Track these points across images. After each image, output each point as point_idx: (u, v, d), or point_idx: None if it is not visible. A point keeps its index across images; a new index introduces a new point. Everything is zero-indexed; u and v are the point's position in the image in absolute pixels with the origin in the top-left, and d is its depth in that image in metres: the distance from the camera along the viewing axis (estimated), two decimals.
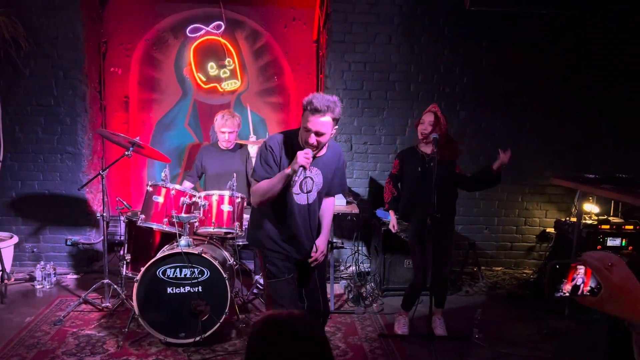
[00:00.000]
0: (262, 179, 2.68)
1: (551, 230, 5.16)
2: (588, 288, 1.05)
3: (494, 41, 5.01)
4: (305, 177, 2.74)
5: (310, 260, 2.86)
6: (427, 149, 3.67)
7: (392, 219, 3.91)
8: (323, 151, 2.79)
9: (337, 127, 2.69)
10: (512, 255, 5.37)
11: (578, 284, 1.05)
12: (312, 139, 2.58)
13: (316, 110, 2.54)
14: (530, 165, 5.21)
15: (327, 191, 2.91)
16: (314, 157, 2.65)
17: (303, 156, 2.52)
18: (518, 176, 5.21)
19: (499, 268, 5.32)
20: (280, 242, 2.83)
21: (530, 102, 5.13)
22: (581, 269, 1.05)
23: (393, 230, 3.92)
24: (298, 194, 2.77)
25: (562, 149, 5.21)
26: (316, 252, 2.85)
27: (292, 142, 2.72)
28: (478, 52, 5.02)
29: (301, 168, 2.54)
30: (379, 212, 4.78)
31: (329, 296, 3.43)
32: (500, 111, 5.13)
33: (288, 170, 2.58)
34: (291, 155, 2.64)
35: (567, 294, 1.07)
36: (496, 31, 4.98)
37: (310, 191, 2.77)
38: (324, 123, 2.56)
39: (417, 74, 5.03)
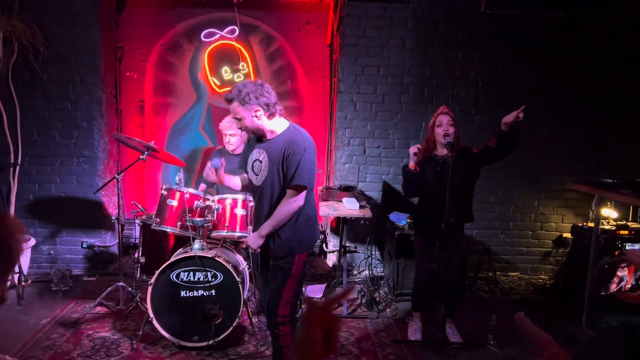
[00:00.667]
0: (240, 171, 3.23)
1: (568, 235, 5.09)
2: (630, 285, 1.06)
3: (509, 44, 4.96)
4: (255, 160, 2.88)
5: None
6: (441, 152, 3.63)
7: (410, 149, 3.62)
8: (273, 135, 2.86)
9: (258, 108, 2.74)
10: (528, 261, 5.31)
11: (621, 281, 1.07)
12: (237, 124, 2.89)
13: (226, 100, 2.80)
14: (546, 169, 5.15)
15: (286, 181, 2.80)
16: (263, 140, 2.86)
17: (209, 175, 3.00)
18: (534, 180, 5.16)
19: (515, 273, 5.26)
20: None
21: (546, 105, 5.07)
22: (624, 267, 1.06)
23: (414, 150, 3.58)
24: (253, 176, 2.93)
25: (579, 153, 5.14)
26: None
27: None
28: (493, 56, 4.98)
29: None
30: (393, 216, 4.75)
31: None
32: None
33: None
34: (252, 146, 2.96)
35: (612, 292, 1.08)
36: (511, 34, 4.94)
37: (258, 174, 2.88)
38: (233, 109, 2.78)
39: (431, 77, 5.01)
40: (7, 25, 4.32)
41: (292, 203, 2.78)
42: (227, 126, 4.29)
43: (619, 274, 1.08)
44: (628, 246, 4.24)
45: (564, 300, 4.54)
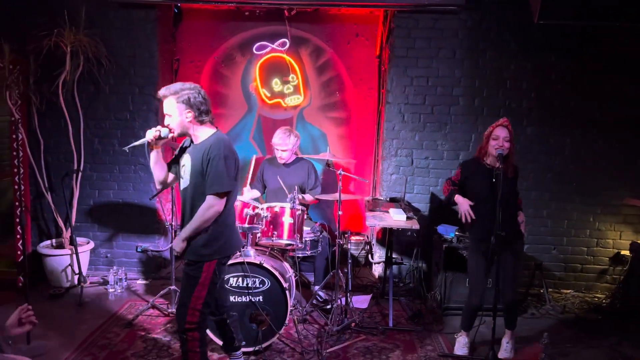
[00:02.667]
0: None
1: (626, 252, 4.87)
2: None
3: (563, 55, 4.83)
4: (182, 165, 2.97)
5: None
6: (493, 162, 3.56)
7: (464, 202, 3.58)
8: (197, 140, 2.93)
9: (190, 110, 2.86)
10: (583, 278, 5.10)
11: None
12: (165, 120, 2.93)
13: (161, 95, 2.89)
14: (603, 183, 4.95)
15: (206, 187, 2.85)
16: (190, 145, 2.98)
17: (149, 131, 2.89)
18: (589, 194, 4.98)
19: (568, 290, 5.06)
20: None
21: (602, 118, 4.89)
22: None
23: (467, 216, 3.55)
24: (180, 180, 3.02)
25: (638, 167, 4.92)
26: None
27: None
28: (546, 67, 4.87)
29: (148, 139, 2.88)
30: (440, 229, 4.70)
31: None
32: (569, 127, 4.93)
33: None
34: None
35: None
36: (565, 45, 4.81)
37: (184, 178, 2.95)
38: (167, 104, 2.88)
39: (481, 88, 4.94)
40: (75, 39, 4.59)
41: (209, 209, 2.80)
42: (279, 143, 4.49)
43: None
44: None
45: (622, 320, 4.34)
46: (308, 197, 4.56)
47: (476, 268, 3.61)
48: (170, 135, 2.91)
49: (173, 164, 3.10)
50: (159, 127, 2.89)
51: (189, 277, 2.90)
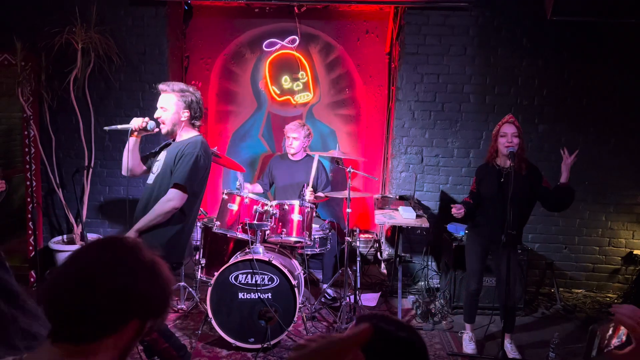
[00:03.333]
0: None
1: (639, 252, 4.81)
2: (617, 343, 1.07)
3: (576, 52, 4.78)
4: (157, 160, 3.02)
5: None
6: (503, 162, 3.55)
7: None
8: (179, 139, 2.99)
9: (188, 112, 2.96)
10: (594, 278, 5.05)
11: (607, 339, 1.08)
12: (157, 113, 2.95)
13: (163, 88, 2.93)
14: (616, 182, 4.89)
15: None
16: (169, 144, 3.01)
17: (136, 120, 2.92)
18: (601, 193, 4.92)
19: (579, 290, 5.02)
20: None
21: (615, 116, 4.83)
22: (611, 326, 1.08)
23: (454, 210, 3.63)
24: (150, 175, 3.05)
25: None
26: None
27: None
28: (559, 64, 4.81)
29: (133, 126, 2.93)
30: (450, 227, 4.67)
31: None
32: (582, 125, 4.87)
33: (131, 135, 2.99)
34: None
35: (598, 354, 1.10)
36: (579, 42, 4.75)
37: (154, 172, 2.98)
38: (167, 98, 2.92)
39: (492, 86, 4.90)
40: (86, 37, 4.62)
41: (168, 202, 2.80)
42: (292, 129, 4.52)
43: (608, 333, 1.08)
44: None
45: None
46: (319, 195, 4.57)
47: (473, 255, 3.68)
48: (156, 130, 2.98)
49: (150, 157, 3.17)
50: (146, 119, 2.95)
51: None
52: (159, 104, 2.97)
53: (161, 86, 2.96)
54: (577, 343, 3.84)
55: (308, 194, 4.31)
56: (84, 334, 1.10)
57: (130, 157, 3.01)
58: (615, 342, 1.07)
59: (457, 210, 3.57)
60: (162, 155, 3.02)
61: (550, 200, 3.53)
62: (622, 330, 1.07)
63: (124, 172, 3.10)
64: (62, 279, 1.11)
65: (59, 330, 1.10)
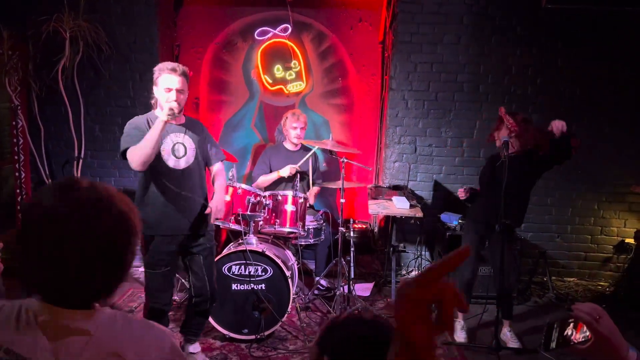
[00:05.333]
0: (134, 143, 2.81)
1: (631, 241, 4.84)
2: (579, 339, 1.16)
3: (570, 41, 4.76)
4: (176, 143, 2.94)
5: (207, 212, 3.02)
6: (502, 153, 3.54)
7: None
8: (182, 120, 3.00)
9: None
10: (586, 266, 5.08)
11: (569, 334, 1.17)
12: (173, 95, 2.83)
13: (173, 70, 2.82)
14: (608, 171, 4.91)
15: (208, 160, 3.17)
16: (170, 124, 2.89)
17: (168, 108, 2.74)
18: (594, 182, 4.93)
19: (571, 279, 5.05)
20: (165, 218, 2.92)
21: (609, 105, 4.83)
22: (572, 322, 1.17)
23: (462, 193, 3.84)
24: (172, 159, 2.94)
25: None
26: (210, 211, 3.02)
27: (144, 118, 2.95)
28: (553, 53, 4.79)
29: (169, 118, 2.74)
30: (444, 217, 4.67)
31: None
32: (576, 114, 4.86)
33: (161, 119, 2.73)
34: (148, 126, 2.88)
35: (560, 346, 1.18)
36: (573, 30, 4.73)
37: (182, 157, 2.95)
38: (184, 82, 2.87)
39: (486, 74, 4.87)
40: (74, 25, 4.53)
41: (224, 174, 3.20)
42: (302, 120, 4.51)
43: (568, 328, 1.17)
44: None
45: (625, 308, 4.32)
46: (314, 190, 4.58)
47: (469, 242, 3.69)
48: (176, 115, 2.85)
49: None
50: (174, 104, 2.79)
51: (213, 248, 3.20)
52: (176, 86, 2.82)
53: (172, 67, 2.83)
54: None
55: (312, 198, 4.47)
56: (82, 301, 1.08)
57: (156, 149, 2.83)
58: (578, 337, 1.16)
59: (463, 194, 3.71)
60: (182, 138, 2.96)
61: (547, 157, 3.45)
62: (584, 327, 1.15)
63: (143, 167, 2.82)
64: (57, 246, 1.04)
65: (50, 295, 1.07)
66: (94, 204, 1.06)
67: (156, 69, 2.89)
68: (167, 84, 2.84)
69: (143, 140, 2.77)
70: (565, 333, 1.17)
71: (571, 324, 1.17)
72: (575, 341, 1.16)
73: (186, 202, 2.98)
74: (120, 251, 1.09)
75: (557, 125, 3.34)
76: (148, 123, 2.90)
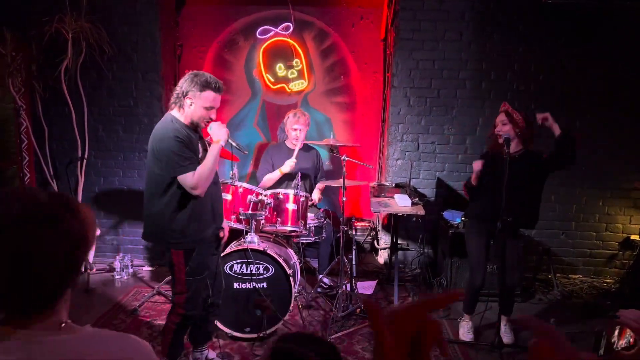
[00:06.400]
0: (195, 167, 2.71)
1: (636, 237, 4.80)
2: (622, 345, 1.11)
3: (572, 37, 4.72)
4: (204, 151, 2.90)
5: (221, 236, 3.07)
6: (503, 150, 3.52)
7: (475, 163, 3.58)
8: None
9: None
10: (591, 263, 5.04)
11: (614, 341, 1.12)
12: (214, 115, 2.83)
13: (220, 90, 2.78)
14: (613, 167, 4.87)
15: None
16: (198, 132, 2.91)
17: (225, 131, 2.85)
18: (599, 179, 4.90)
19: (576, 276, 5.02)
20: (206, 229, 2.90)
21: (613, 101, 4.79)
22: (617, 328, 1.17)
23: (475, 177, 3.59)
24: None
25: None
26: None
27: (181, 128, 2.76)
28: (556, 49, 4.76)
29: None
30: (447, 214, 4.65)
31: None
32: (579, 111, 4.83)
33: (220, 143, 2.81)
34: (191, 139, 2.77)
35: (605, 352, 1.14)
36: (575, 26, 4.69)
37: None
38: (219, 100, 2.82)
39: (488, 71, 4.85)
40: (76, 26, 4.56)
41: None
42: (302, 121, 4.55)
43: (614, 334, 1.15)
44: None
45: (631, 305, 4.27)
46: (320, 187, 4.59)
47: (476, 248, 3.62)
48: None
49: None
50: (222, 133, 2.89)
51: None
52: (218, 105, 2.84)
53: (219, 86, 2.79)
54: (574, 329, 3.84)
55: (317, 196, 4.48)
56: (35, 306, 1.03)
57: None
58: (622, 343, 1.15)
59: (477, 167, 3.54)
60: (201, 149, 2.91)
61: (554, 159, 3.43)
62: (629, 332, 1.12)
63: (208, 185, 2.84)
64: None
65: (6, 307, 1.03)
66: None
67: (202, 80, 2.73)
68: (211, 102, 2.77)
69: (207, 169, 2.73)
70: (612, 340, 1.19)
71: (616, 331, 1.18)
72: (619, 347, 1.17)
73: (218, 210, 3.03)
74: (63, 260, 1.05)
75: (539, 116, 3.40)
76: (189, 135, 2.78)
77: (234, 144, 3.14)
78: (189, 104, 2.75)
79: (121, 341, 1.13)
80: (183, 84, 2.75)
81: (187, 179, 2.68)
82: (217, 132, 2.84)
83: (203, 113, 2.77)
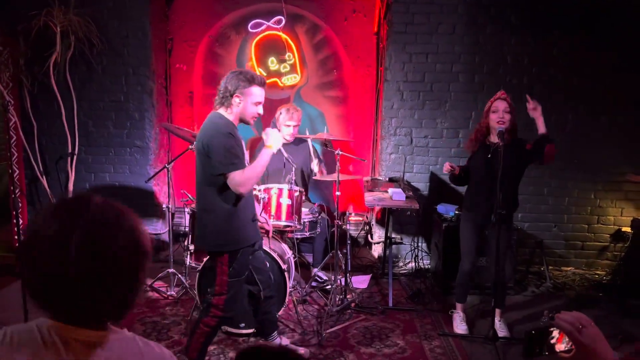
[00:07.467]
0: (243, 166, 2.71)
1: (627, 229, 4.83)
2: (562, 348, 1.17)
3: (566, 29, 4.73)
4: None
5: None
6: (493, 139, 3.52)
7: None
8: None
9: None
10: (583, 255, 5.08)
11: (552, 343, 1.18)
12: (262, 110, 2.83)
13: (264, 84, 2.78)
14: (605, 160, 4.90)
15: None
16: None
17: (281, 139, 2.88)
18: (591, 171, 4.93)
19: (569, 268, 5.05)
20: (249, 230, 2.89)
21: (606, 94, 4.81)
22: (555, 331, 1.18)
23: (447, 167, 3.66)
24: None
25: None
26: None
27: (230, 124, 2.78)
28: (549, 42, 4.76)
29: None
30: (440, 208, 4.66)
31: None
32: (571, 103, 4.85)
33: (272, 150, 2.83)
34: (238, 137, 2.80)
35: (546, 354, 1.19)
36: (569, 19, 4.70)
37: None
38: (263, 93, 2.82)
39: (481, 64, 4.85)
40: (65, 19, 4.48)
41: None
42: (289, 118, 4.45)
43: (552, 337, 1.19)
44: None
45: (623, 297, 4.33)
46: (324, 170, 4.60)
47: (468, 235, 3.65)
48: None
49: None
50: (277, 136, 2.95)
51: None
52: (263, 100, 2.84)
53: (263, 81, 2.82)
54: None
55: (316, 167, 4.48)
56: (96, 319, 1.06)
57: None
58: (562, 346, 1.18)
59: (446, 169, 3.61)
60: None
61: (535, 155, 3.46)
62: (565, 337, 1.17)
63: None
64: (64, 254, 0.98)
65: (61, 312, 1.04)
66: (104, 224, 1.03)
67: (248, 76, 2.74)
68: (259, 97, 2.79)
69: (256, 170, 2.75)
70: (550, 341, 1.19)
71: (554, 332, 1.19)
72: (558, 350, 1.18)
73: (253, 209, 2.99)
74: (130, 271, 1.06)
75: (532, 104, 3.43)
76: (236, 138, 2.78)
77: (285, 155, 3.29)
78: (237, 102, 2.75)
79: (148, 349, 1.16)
80: (228, 83, 2.75)
81: (236, 177, 2.65)
82: (273, 138, 2.87)
83: (252, 109, 2.79)
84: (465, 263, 3.68)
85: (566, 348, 1.17)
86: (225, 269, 2.79)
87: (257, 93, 2.77)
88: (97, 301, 1.02)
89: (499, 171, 3.24)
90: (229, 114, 2.79)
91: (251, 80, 2.73)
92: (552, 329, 1.18)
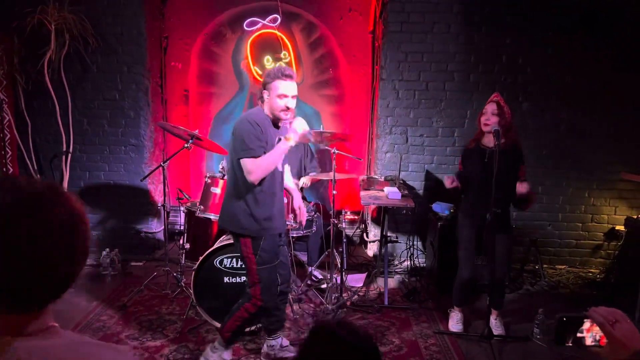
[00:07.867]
0: (260, 154, 2.78)
1: (621, 228, 4.87)
2: (590, 342, 1.18)
3: (560, 29, 4.75)
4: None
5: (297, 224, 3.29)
6: (489, 142, 3.53)
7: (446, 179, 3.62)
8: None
9: None
10: (577, 254, 5.11)
11: (579, 337, 1.19)
12: (290, 104, 2.84)
13: (290, 76, 2.81)
14: (599, 158, 4.93)
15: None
16: (276, 126, 2.97)
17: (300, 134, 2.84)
18: (585, 170, 4.96)
19: (563, 266, 5.08)
20: (274, 219, 2.95)
21: (599, 92, 4.83)
22: (587, 323, 1.18)
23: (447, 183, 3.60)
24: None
25: (634, 142, 4.89)
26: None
27: (262, 117, 2.88)
28: (543, 41, 4.78)
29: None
30: (435, 206, 4.67)
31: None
32: (566, 102, 4.87)
33: (288, 142, 2.82)
34: (267, 130, 2.84)
35: (573, 345, 1.20)
36: (564, 18, 4.73)
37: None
38: (295, 87, 2.86)
39: (477, 64, 4.86)
40: (59, 17, 4.46)
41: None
42: (289, 86, 4.37)
43: (581, 328, 1.19)
44: None
45: (616, 295, 4.36)
46: (307, 181, 4.55)
47: (466, 241, 3.61)
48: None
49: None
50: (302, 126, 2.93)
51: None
52: (292, 93, 2.84)
53: (288, 73, 2.83)
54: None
55: (307, 180, 4.48)
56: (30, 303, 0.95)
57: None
58: (589, 340, 1.19)
59: (450, 183, 3.55)
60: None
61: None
62: (594, 330, 1.17)
63: (258, 181, 2.84)
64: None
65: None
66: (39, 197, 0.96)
67: (273, 71, 2.83)
68: (281, 89, 2.81)
69: (268, 161, 2.78)
70: (578, 334, 1.19)
71: (583, 324, 1.18)
72: (587, 344, 1.19)
73: (282, 201, 3.07)
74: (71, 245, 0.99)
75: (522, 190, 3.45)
76: (262, 129, 2.82)
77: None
78: (266, 97, 2.87)
79: (101, 351, 1.05)
80: (263, 79, 2.89)
81: (248, 163, 2.75)
82: (294, 130, 2.87)
83: (278, 102, 2.84)
84: (464, 271, 3.61)
85: (594, 343, 1.17)
86: (252, 257, 2.87)
87: (280, 86, 2.81)
88: (36, 277, 0.94)
89: (494, 173, 3.25)
90: (264, 108, 2.93)
91: (273, 74, 2.83)
92: (584, 320, 1.18)
